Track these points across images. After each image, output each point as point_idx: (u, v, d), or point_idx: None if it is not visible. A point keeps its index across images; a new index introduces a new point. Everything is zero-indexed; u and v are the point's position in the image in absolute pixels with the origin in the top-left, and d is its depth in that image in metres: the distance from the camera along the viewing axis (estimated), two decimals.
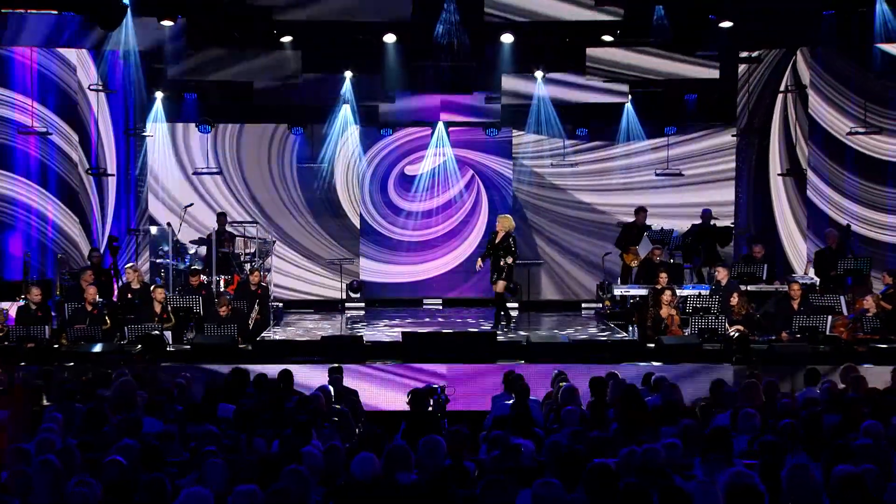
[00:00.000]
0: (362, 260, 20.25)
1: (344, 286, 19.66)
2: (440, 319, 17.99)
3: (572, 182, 20.26)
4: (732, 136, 19.55)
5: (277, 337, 15.81)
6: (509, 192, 20.25)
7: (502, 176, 20.35)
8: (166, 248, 17.65)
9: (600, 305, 18.33)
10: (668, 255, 17.76)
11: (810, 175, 17.76)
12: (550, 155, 20.10)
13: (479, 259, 15.99)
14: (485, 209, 20.18)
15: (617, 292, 17.15)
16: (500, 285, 15.64)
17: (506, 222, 15.71)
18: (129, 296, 15.47)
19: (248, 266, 17.87)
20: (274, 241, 19.08)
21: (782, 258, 18.33)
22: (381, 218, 20.39)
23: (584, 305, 19.41)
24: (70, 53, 17.74)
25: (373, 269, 20.31)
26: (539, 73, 18.92)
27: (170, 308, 14.72)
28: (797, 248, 18.14)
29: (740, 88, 19.15)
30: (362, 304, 19.71)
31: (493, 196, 20.34)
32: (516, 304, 19.24)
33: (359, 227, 20.29)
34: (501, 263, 15.46)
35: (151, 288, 15.25)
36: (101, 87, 17.98)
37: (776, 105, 18.75)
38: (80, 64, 17.94)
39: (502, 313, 15.97)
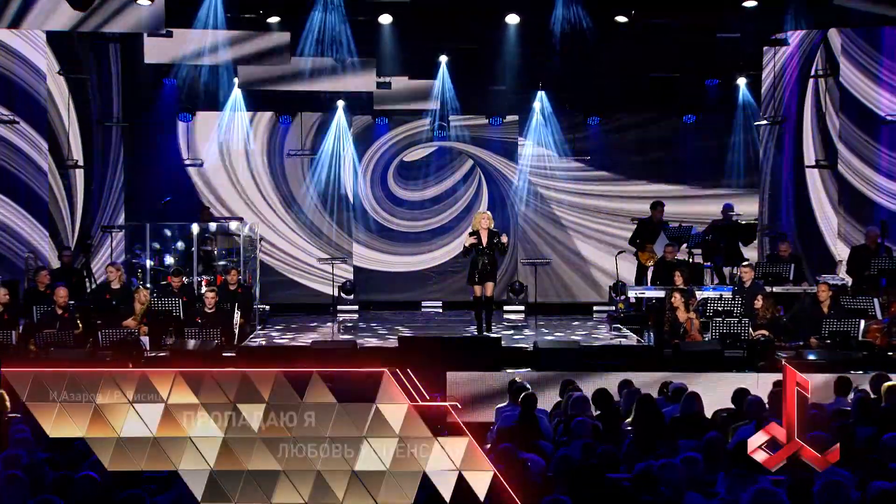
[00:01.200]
0: (356, 246, 20.19)
1: (336, 287, 19.65)
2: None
3: (576, 218, 20.17)
4: (758, 124, 19.47)
5: (263, 342, 15.79)
6: (511, 193, 20.22)
7: (505, 177, 20.32)
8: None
9: (613, 308, 18.31)
10: (687, 253, 17.74)
11: (842, 150, 17.78)
12: (552, 175, 20.06)
13: (466, 236, 15.56)
14: (484, 202, 20.15)
15: (631, 294, 17.13)
16: (490, 287, 15.42)
17: (489, 220, 15.36)
18: (107, 296, 15.42)
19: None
20: (261, 239, 19.01)
21: (825, 251, 18.24)
22: (379, 208, 20.36)
23: (595, 308, 19.39)
24: (35, 38, 17.60)
25: (368, 258, 20.29)
26: (545, 59, 18.95)
27: (141, 312, 14.68)
28: (837, 237, 18.11)
29: (765, 73, 19.08)
30: (356, 307, 19.68)
31: (493, 191, 20.32)
32: (522, 307, 19.27)
33: (354, 218, 20.24)
34: (497, 243, 15.20)
35: (134, 289, 15.21)
36: (69, 73, 17.91)
37: (807, 91, 18.69)
38: (45, 49, 17.78)
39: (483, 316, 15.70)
